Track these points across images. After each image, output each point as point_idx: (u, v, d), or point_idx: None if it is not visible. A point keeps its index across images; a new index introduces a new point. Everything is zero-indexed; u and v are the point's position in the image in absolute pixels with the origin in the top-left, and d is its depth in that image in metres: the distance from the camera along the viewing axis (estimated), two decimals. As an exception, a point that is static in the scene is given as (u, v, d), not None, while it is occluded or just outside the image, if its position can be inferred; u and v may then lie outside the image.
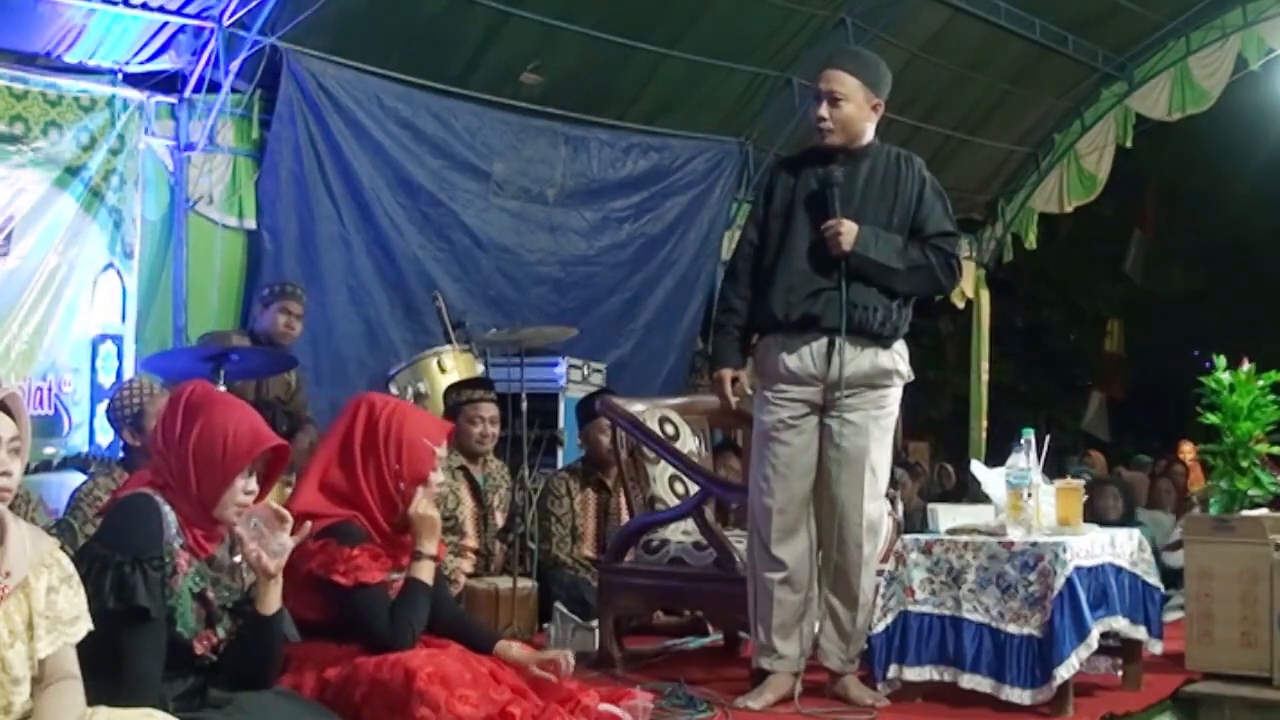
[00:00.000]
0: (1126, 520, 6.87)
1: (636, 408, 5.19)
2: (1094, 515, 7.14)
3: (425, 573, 3.40)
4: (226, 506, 2.88)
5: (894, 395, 4.28)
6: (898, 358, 4.26)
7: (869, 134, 4.25)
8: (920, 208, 4.23)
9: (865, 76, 4.20)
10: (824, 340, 4.15)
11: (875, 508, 4.23)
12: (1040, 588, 4.00)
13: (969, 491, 7.08)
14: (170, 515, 2.85)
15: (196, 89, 7.07)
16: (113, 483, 4.39)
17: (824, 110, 4.18)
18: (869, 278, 4.15)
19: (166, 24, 6.82)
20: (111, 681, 2.62)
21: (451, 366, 6.47)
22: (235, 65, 7.02)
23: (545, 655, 3.44)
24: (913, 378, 4.35)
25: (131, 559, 2.72)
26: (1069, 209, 12.29)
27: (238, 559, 2.95)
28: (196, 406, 2.93)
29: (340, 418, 3.53)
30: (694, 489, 4.93)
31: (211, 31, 6.95)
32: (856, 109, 4.18)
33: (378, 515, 3.38)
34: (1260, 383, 4.65)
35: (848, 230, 4.09)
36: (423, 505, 3.39)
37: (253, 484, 2.90)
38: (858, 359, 4.17)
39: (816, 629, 4.28)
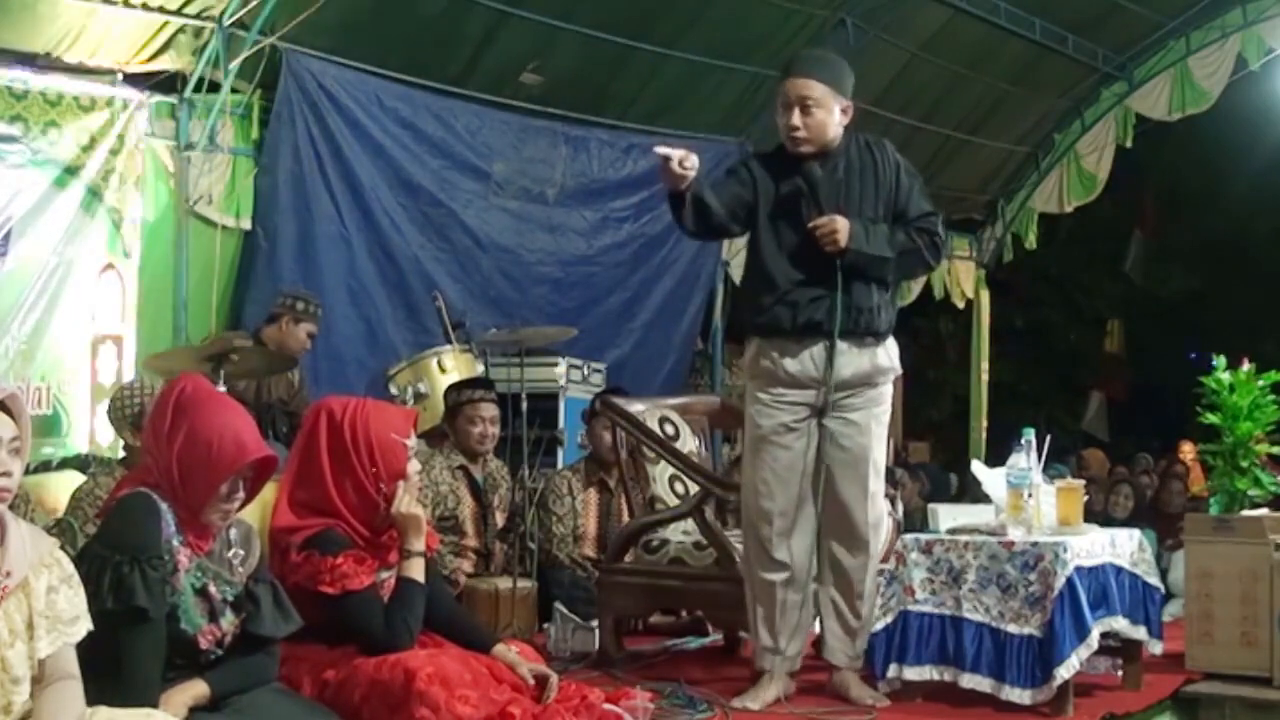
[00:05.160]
0: (1134, 520, 6.88)
1: (636, 408, 5.19)
2: (1105, 514, 7.19)
3: (417, 570, 3.40)
4: (210, 513, 2.87)
5: (889, 392, 4.31)
6: (893, 353, 4.28)
7: (840, 135, 4.22)
8: (899, 192, 4.22)
9: (832, 81, 4.16)
10: (825, 343, 4.12)
11: (877, 505, 4.25)
12: (1040, 588, 4.00)
13: (969, 492, 7.08)
14: (169, 513, 2.84)
15: (196, 89, 7.07)
16: (113, 483, 4.37)
17: (796, 119, 4.12)
18: (865, 272, 4.13)
19: (166, 24, 6.82)
20: (111, 682, 2.61)
21: (451, 366, 6.47)
22: (235, 65, 7.02)
23: (538, 669, 3.45)
24: (900, 371, 4.36)
25: (130, 559, 2.72)
26: (1069, 209, 12.29)
27: (230, 553, 2.95)
28: (184, 407, 2.91)
29: (301, 430, 3.52)
30: (694, 489, 4.93)
31: (211, 31, 6.95)
32: (828, 114, 4.14)
33: (355, 521, 3.37)
34: (1260, 383, 4.66)
35: (842, 227, 4.06)
36: (405, 503, 3.38)
37: (238, 491, 2.89)
38: (859, 359, 4.17)
39: (818, 627, 4.30)
